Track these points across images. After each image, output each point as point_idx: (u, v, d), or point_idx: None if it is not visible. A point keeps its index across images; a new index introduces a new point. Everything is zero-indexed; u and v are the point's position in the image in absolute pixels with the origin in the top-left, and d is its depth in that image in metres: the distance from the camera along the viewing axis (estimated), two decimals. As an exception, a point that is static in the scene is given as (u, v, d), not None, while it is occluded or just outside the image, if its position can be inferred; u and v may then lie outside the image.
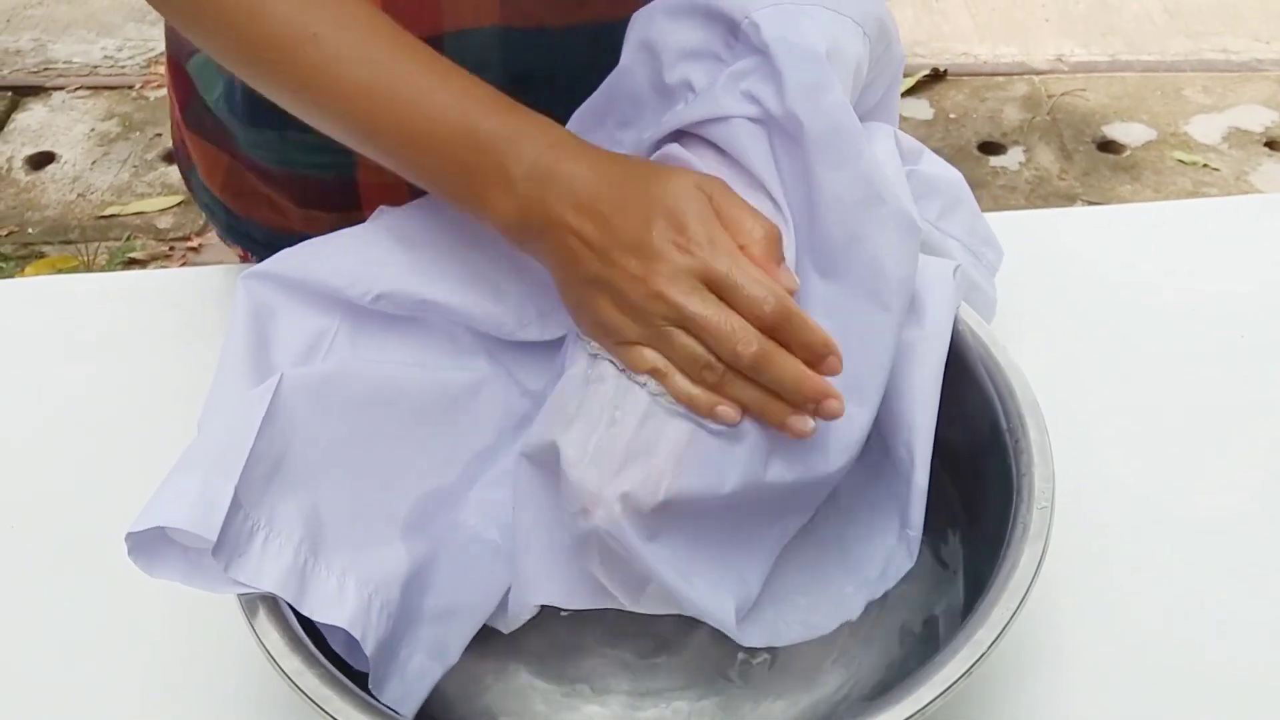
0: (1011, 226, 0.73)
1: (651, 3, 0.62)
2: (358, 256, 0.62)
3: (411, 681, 0.56)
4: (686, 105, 0.60)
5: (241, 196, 0.79)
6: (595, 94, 0.65)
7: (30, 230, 2.22)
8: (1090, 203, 2.20)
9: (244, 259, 0.86)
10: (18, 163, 2.38)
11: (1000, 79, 2.55)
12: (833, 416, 0.53)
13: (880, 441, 0.61)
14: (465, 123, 0.56)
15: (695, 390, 0.53)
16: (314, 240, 0.63)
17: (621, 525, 0.52)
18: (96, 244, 2.17)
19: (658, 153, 0.61)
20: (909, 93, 2.47)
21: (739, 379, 0.53)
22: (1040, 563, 0.51)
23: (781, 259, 0.55)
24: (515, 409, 0.64)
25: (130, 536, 0.49)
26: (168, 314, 0.82)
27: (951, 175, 0.69)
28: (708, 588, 0.55)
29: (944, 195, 0.68)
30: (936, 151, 0.71)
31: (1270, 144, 2.35)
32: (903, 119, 2.52)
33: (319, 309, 0.61)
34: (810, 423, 0.53)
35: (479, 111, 0.56)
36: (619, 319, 0.54)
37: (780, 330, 0.53)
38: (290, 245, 0.79)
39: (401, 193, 0.70)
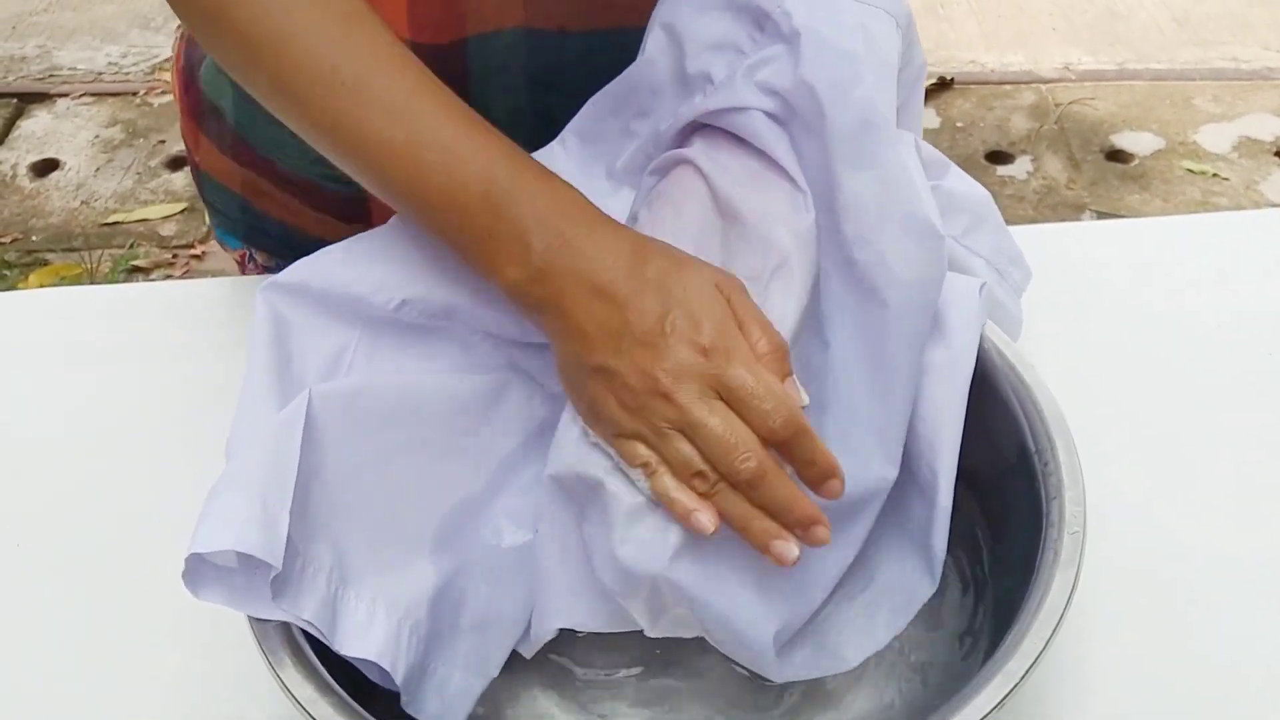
0: (1029, 240, 0.72)
1: None
2: (381, 261, 0.60)
3: (452, 699, 0.55)
4: (704, 97, 0.59)
5: (260, 196, 0.79)
6: (615, 81, 0.64)
7: (34, 238, 2.21)
8: (1099, 212, 2.20)
9: (241, 267, 0.85)
10: (22, 170, 2.37)
11: (1007, 88, 2.55)
12: (818, 544, 0.51)
13: (903, 463, 0.60)
14: (486, 186, 0.54)
15: (677, 493, 0.51)
16: (333, 247, 0.61)
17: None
18: (100, 251, 2.17)
19: (658, 183, 0.61)
20: (916, 101, 2.46)
21: (728, 491, 0.51)
22: (1073, 590, 0.50)
23: (789, 373, 0.53)
24: (538, 413, 0.63)
25: (190, 558, 0.48)
26: (171, 325, 0.81)
27: (978, 192, 0.68)
28: (747, 618, 0.54)
29: (970, 212, 0.67)
30: None
31: (1280, 153, 2.34)
32: (910, 127, 2.52)
33: (339, 322, 0.60)
34: (795, 550, 0.51)
35: (503, 175, 0.54)
36: (619, 412, 0.52)
37: (787, 447, 0.51)
38: (304, 245, 0.79)
39: None
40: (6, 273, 2.11)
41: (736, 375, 0.50)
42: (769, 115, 0.57)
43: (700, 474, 0.50)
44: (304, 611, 0.50)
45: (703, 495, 0.51)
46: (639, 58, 0.62)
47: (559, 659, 0.60)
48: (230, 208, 0.81)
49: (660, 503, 0.52)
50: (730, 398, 0.51)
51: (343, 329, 0.60)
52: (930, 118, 2.45)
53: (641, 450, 0.51)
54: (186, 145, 0.82)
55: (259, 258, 0.83)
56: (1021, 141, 2.39)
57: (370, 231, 0.62)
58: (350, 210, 0.75)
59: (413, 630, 0.54)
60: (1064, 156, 2.34)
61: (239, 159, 0.77)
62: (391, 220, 0.64)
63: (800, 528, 0.51)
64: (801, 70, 0.56)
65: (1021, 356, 0.59)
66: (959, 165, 0.69)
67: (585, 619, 0.55)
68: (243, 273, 0.85)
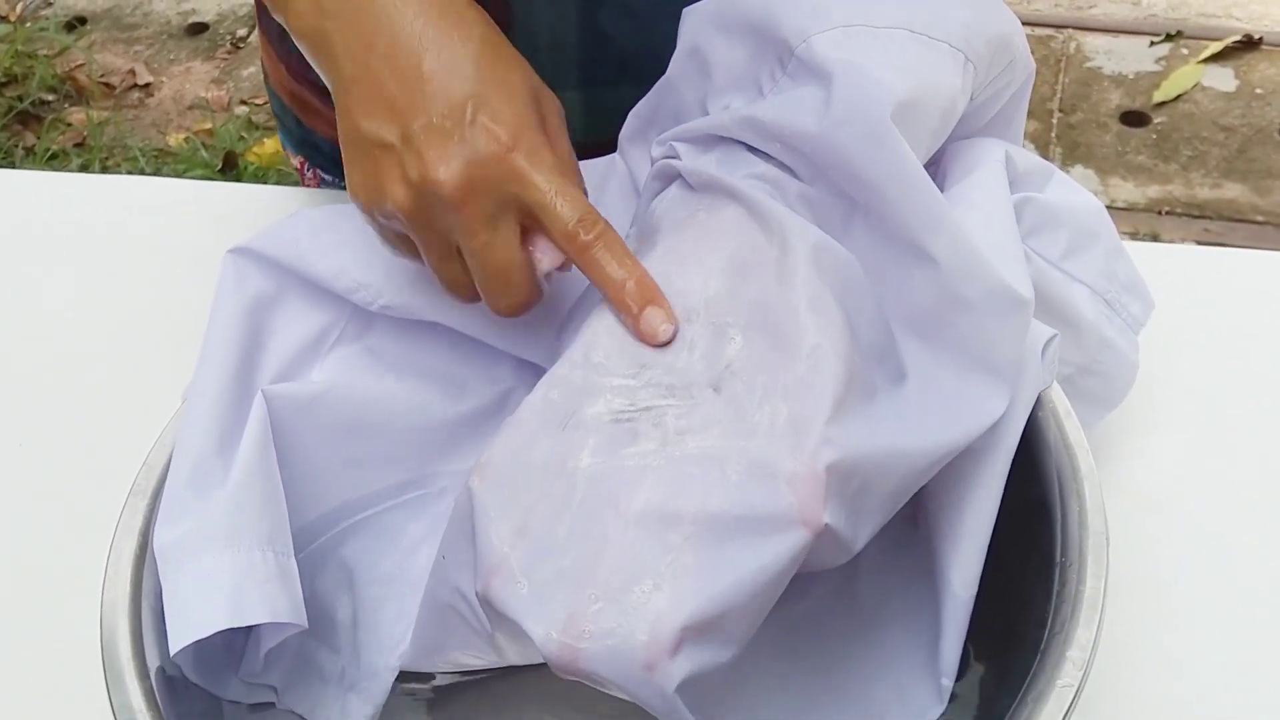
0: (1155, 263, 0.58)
1: (703, 2, 0.52)
2: (364, 254, 0.54)
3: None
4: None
5: (305, 108, 0.74)
6: (643, 100, 0.56)
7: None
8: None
9: (301, 175, 0.80)
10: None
11: (1327, 54, 2.22)
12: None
13: (925, 547, 0.49)
14: None
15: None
16: (315, 218, 0.55)
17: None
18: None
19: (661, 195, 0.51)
20: (1213, 59, 2.18)
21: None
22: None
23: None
24: None
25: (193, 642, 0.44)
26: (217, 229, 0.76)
27: (1086, 204, 0.55)
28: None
29: (1071, 228, 0.54)
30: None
31: None
32: (1200, 88, 2.23)
33: (327, 300, 0.55)
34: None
35: None
36: (399, 198, 0.45)
37: (582, 258, 0.46)
38: None
39: None
40: (245, 135, 2.17)
41: (537, 183, 0.45)
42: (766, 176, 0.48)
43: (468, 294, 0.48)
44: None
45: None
46: (664, 77, 0.53)
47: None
48: (285, 116, 0.76)
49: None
50: (525, 207, 0.45)
51: (333, 305, 0.55)
52: (1227, 79, 2.16)
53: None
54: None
55: (316, 170, 0.78)
56: (1330, 120, 2.08)
57: (348, 210, 0.56)
58: None
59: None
60: (1377, 142, 2.03)
61: (288, 67, 0.71)
62: None
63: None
64: (830, 120, 0.45)
65: (1081, 438, 0.47)
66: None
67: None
68: (302, 181, 0.80)
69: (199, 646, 0.46)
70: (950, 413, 0.44)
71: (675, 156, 0.50)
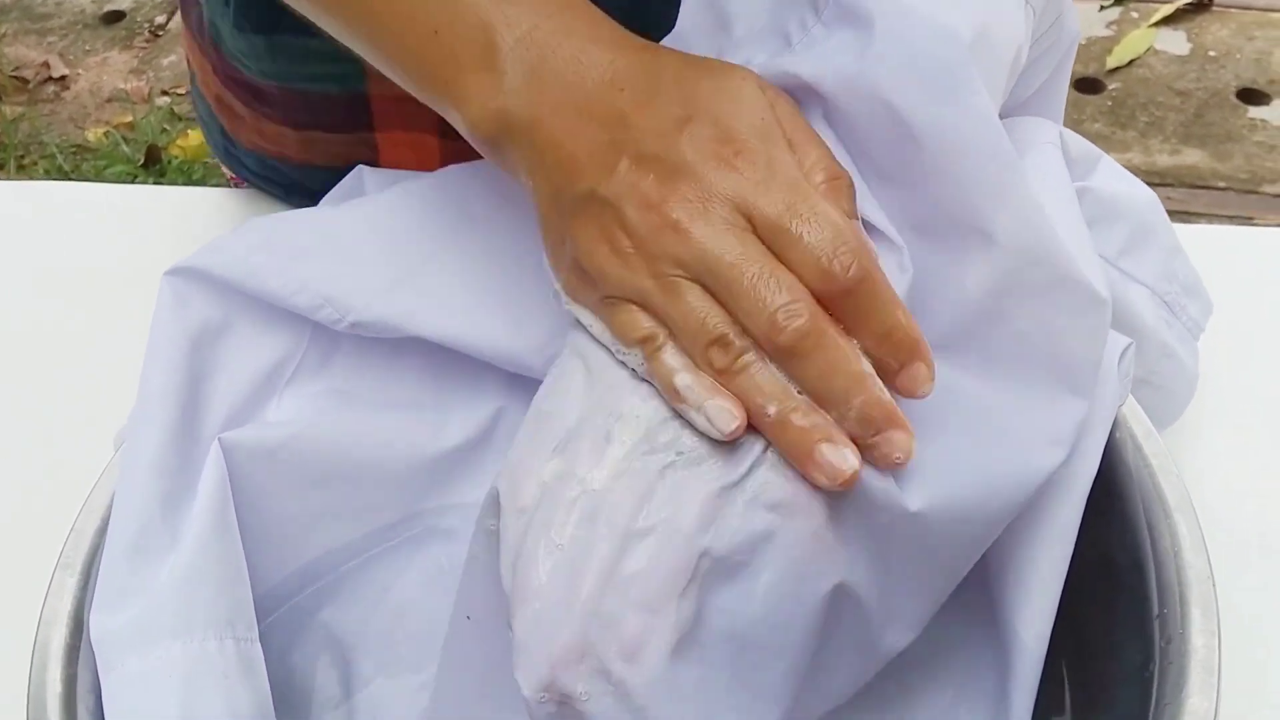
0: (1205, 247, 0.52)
1: None
2: (326, 265, 0.47)
3: None
4: None
5: (232, 116, 0.65)
6: None
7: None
8: (1366, 174, 1.87)
9: (235, 184, 0.71)
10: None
11: (1276, 15, 2.20)
12: (893, 463, 0.35)
13: (983, 589, 0.43)
14: None
15: (685, 377, 0.36)
16: (267, 228, 0.47)
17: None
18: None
19: None
20: (1164, 22, 2.15)
21: (758, 365, 0.35)
22: None
23: (855, 215, 0.38)
24: None
25: None
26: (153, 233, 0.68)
27: (1141, 194, 0.49)
28: None
29: (1129, 222, 0.48)
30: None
31: None
32: (1153, 52, 2.20)
33: (281, 326, 0.47)
34: (852, 461, 0.34)
35: None
36: (610, 262, 0.37)
37: (848, 301, 0.35)
38: (287, 175, 0.65)
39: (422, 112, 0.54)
40: (168, 127, 2.06)
41: (777, 197, 0.36)
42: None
43: (720, 340, 0.35)
44: None
45: (720, 373, 0.35)
46: (673, 31, 0.46)
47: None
48: (211, 123, 0.67)
49: (661, 388, 0.36)
50: (768, 229, 0.36)
51: (285, 334, 0.47)
52: (1179, 42, 2.13)
53: (642, 320, 0.37)
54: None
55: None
56: (1284, 80, 2.06)
57: (317, 213, 0.49)
58: (345, 117, 0.60)
59: None
60: (1334, 102, 2.01)
61: (213, 65, 0.63)
62: (349, 193, 0.50)
63: (869, 429, 0.35)
64: (873, 68, 0.38)
65: (1168, 463, 0.41)
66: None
67: None
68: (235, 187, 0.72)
69: None
70: (1003, 446, 0.38)
71: None
